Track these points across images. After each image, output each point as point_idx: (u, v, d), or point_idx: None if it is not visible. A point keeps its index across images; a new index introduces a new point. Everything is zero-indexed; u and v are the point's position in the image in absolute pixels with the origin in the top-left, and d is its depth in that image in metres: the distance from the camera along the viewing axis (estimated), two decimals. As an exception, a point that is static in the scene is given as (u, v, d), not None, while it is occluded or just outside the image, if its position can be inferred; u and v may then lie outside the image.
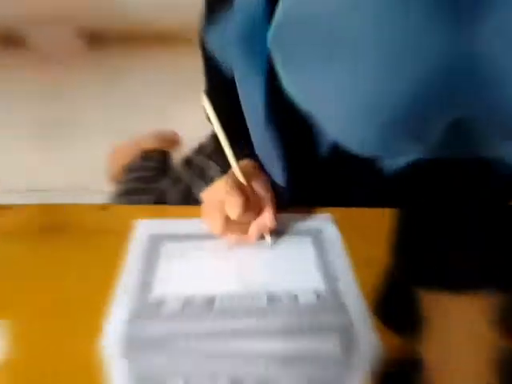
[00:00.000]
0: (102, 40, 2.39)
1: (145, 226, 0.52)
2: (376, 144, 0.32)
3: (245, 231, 0.49)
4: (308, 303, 0.43)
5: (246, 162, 0.53)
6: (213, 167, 0.80)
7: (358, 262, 0.48)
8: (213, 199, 0.46)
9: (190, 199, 0.77)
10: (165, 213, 0.56)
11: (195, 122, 1.15)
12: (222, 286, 0.45)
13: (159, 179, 0.87)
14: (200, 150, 0.85)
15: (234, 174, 0.47)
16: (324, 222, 0.54)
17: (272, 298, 0.43)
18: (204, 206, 0.48)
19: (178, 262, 0.48)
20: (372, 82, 0.29)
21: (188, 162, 0.84)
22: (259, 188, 0.48)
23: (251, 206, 0.46)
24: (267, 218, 0.47)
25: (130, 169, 0.94)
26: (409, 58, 0.27)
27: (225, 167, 0.52)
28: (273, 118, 0.48)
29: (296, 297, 0.43)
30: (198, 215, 0.51)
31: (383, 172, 0.53)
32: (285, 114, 0.49)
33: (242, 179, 0.47)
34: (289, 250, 0.50)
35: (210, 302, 0.43)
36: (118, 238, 0.51)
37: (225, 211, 0.45)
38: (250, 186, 0.47)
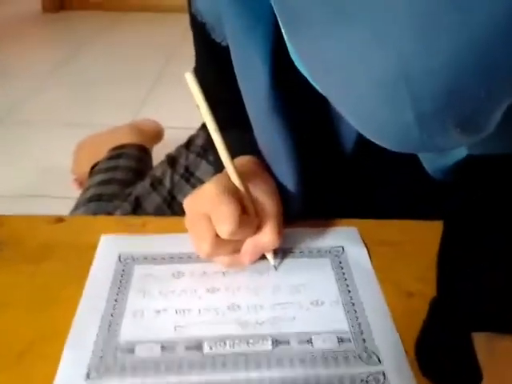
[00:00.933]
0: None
1: (112, 243, 0.48)
2: (408, 132, 0.28)
3: (239, 250, 0.44)
4: (326, 349, 0.38)
5: (245, 158, 0.48)
6: (203, 167, 0.76)
7: (393, 292, 0.44)
8: (198, 210, 0.41)
9: (173, 208, 0.73)
10: (139, 226, 0.51)
11: (183, 110, 1.11)
12: (211, 325, 0.40)
13: (135, 182, 0.83)
14: (188, 145, 0.81)
15: (226, 175, 0.43)
16: (347, 237, 0.49)
17: (278, 342, 0.39)
18: (187, 219, 0.43)
19: (154, 293, 0.43)
20: (401, 48, 0.24)
21: (172, 160, 0.79)
22: (260, 193, 0.43)
23: (249, 219, 0.42)
24: (268, 233, 0.42)
25: (98, 169, 0.90)
26: (454, 17, 0.23)
27: (218, 167, 0.47)
28: (280, 102, 0.44)
29: (310, 340, 0.39)
30: (182, 229, 0.46)
31: (424, 175, 0.49)
32: (295, 96, 0.44)
33: (236, 181, 0.43)
34: (300, 276, 0.45)
35: (196, 347, 0.38)
36: (77, 259, 0.47)
37: (212, 227, 0.40)
38: (247, 190, 0.43)
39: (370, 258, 0.47)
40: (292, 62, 0.38)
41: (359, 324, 0.40)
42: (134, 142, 1.00)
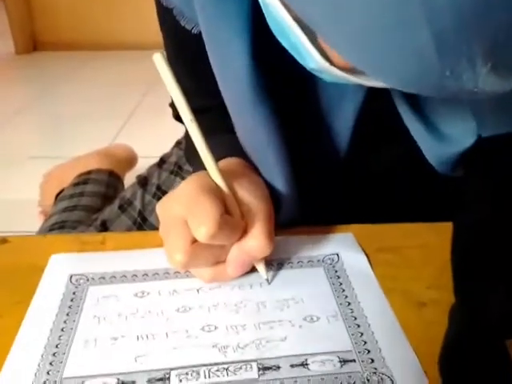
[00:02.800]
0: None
1: (62, 263, 0.41)
2: (425, 60, 0.21)
3: (223, 260, 0.37)
4: (326, 372, 0.31)
5: (230, 160, 0.42)
6: (177, 185, 0.69)
7: (401, 303, 0.37)
8: (172, 214, 0.35)
9: (144, 230, 0.66)
10: (98, 243, 0.44)
11: (157, 141, 1.06)
12: (181, 352, 0.33)
13: (103, 207, 0.76)
14: (160, 163, 0.75)
15: (205, 173, 0.36)
16: (342, 244, 0.43)
17: (266, 368, 0.31)
18: (161, 227, 0.36)
19: (111, 317, 0.36)
20: None
21: (143, 180, 0.73)
22: (247, 193, 0.36)
23: (233, 221, 0.35)
24: (257, 237, 0.35)
25: (62, 196, 0.83)
26: None
27: (197, 168, 0.41)
28: (263, 91, 0.38)
29: (305, 363, 0.31)
30: (150, 245, 0.39)
31: (428, 172, 0.43)
32: (279, 82, 0.38)
33: (217, 179, 0.36)
34: (289, 289, 0.38)
35: (161, 380, 0.31)
36: (22, 283, 0.39)
37: (189, 231, 0.33)
38: (231, 189, 0.36)
39: (371, 265, 0.40)
40: (272, 38, 0.32)
41: (364, 341, 0.33)
42: (104, 168, 0.93)
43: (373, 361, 0.32)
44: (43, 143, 1.73)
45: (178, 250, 0.33)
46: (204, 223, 0.32)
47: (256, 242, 0.35)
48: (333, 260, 0.41)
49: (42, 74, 2.54)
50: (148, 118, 1.86)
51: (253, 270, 0.38)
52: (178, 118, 0.62)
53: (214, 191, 0.34)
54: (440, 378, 0.29)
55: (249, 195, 0.36)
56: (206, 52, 0.39)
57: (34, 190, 1.10)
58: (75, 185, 0.84)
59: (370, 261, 0.41)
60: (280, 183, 0.41)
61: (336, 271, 0.40)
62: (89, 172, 0.88)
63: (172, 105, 0.63)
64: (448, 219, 0.44)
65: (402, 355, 0.32)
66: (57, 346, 0.33)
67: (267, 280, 0.38)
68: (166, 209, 0.36)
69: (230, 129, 0.44)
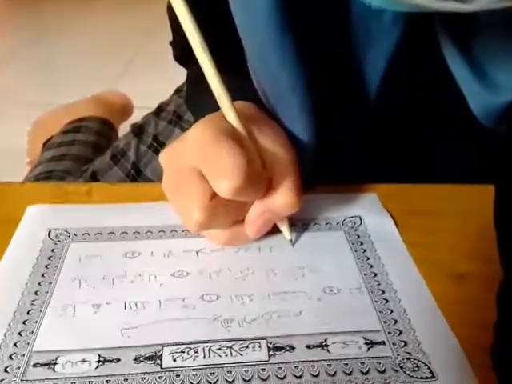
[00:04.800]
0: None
1: (40, 216, 0.35)
2: None
3: (241, 220, 0.32)
4: (349, 356, 0.26)
5: (245, 104, 0.36)
6: (175, 136, 0.63)
7: (436, 275, 0.32)
8: (181, 164, 0.29)
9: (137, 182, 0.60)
10: (82, 194, 0.39)
11: (157, 92, 0.99)
12: (176, 325, 0.28)
13: (94, 158, 0.70)
14: (158, 111, 0.68)
15: (219, 115, 0.30)
16: (365, 205, 0.37)
17: (277, 348, 0.26)
18: (166, 180, 0.31)
19: (94, 280, 0.31)
20: None
21: (138, 129, 0.67)
22: (269, 141, 0.31)
23: (257, 174, 0.29)
24: (285, 192, 0.30)
25: (50, 144, 0.77)
26: None
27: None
28: (290, 30, 0.32)
29: (324, 343, 0.26)
30: (143, 198, 0.34)
31: (469, 125, 0.37)
32: (309, 20, 0.32)
33: (235, 121, 0.29)
34: (304, 255, 0.33)
35: (152, 358, 0.26)
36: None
37: (207, 185, 0.28)
38: (251, 136, 0.30)
39: (399, 230, 0.35)
40: None
41: (395, 320, 0.28)
42: (98, 116, 0.87)
43: (406, 344, 0.27)
44: (34, 90, 1.66)
45: (195, 207, 0.28)
46: (228, 175, 0.26)
47: (284, 197, 0.30)
48: (354, 223, 0.36)
49: (36, 18, 2.44)
50: (145, 67, 1.78)
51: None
52: (179, 58, 0.56)
53: (234, 136, 0.28)
54: (495, 371, 0.24)
55: (272, 143, 0.31)
56: None
57: (22, 139, 1.04)
58: (65, 132, 0.78)
59: (397, 225, 0.36)
60: (303, 134, 0.35)
61: (358, 236, 0.35)
62: (81, 119, 0.82)
63: (173, 43, 0.56)
64: (487, 181, 0.38)
65: (440, 338, 0.27)
66: (28, 313, 0.28)
67: (291, 241, 0.33)
68: (174, 158, 0.30)
69: (240, 75, 0.37)
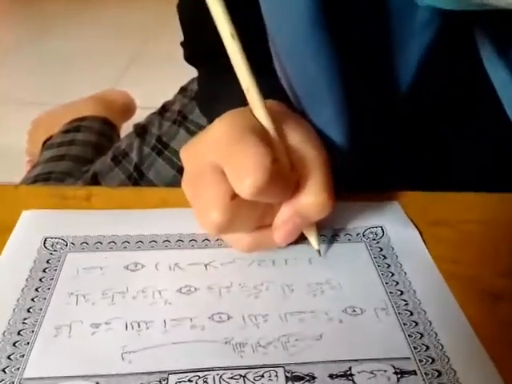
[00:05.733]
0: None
1: (35, 223, 0.33)
2: None
3: (268, 224, 0.29)
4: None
5: (273, 102, 0.33)
6: (180, 137, 0.61)
7: (468, 294, 0.29)
8: (203, 160, 0.27)
9: (139, 186, 0.58)
10: (81, 199, 0.36)
11: (159, 91, 0.97)
12: (183, 349, 0.25)
13: (95, 158, 0.67)
14: (162, 111, 0.66)
15: (246, 110, 0.27)
16: (387, 215, 0.35)
17: (296, 378, 0.23)
18: (186, 178, 0.28)
19: (93, 296, 0.28)
20: None
21: (141, 129, 0.64)
22: (299, 140, 0.28)
23: (284, 174, 0.27)
24: (315, 194, 0.27)
25: (50, 144, 0.74)
26: None
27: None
28: (327, 30, 0.29)
29: (348, 372, 0.24)
30: (147, 204, 0.31)
31: (502, 126, 0.35)
32: (342, 12, 0.30)
33: (264, 119, 0.27)
34: (323, 270, 0.30)
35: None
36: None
37: (228, 184, 0.25)
38: (280, 134, 0.28)
39: (425, 243, 0.32)
40: None
41: (426, 346, 0.25)
42: (99, 115, 0.84)
43: (440, 374, 0.24)
44: (34, 88, 1.63)
45: (213, 207, 0.25)
46: (250, 172, 0.24)
47: (315, 199, 0.27)
48: (376, 234, 0.33)
49: (37, 13, 2.41)
50: (149, 66, 1.75)
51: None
52: (190, 59, 0.53)
53: (260, 133, 0.26)
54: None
55: (302, 142, 0.28)
56: None
57: (21, 138, 1.02)
58: (65, 132, 0.76)
59: (422, 237, 0.33)
60: (338, 137, 0.32)
61: (381, 249, 0.32)
62: (82, 118, 0.80)
63: (184, 44, 0.54)
64: (504, 186, 0.36)
65: (476, 367, 0.24)
66: (19, 333, 0.25)
67: (318, 252, 0.30)
68: (195, 155, 0.28)
69: (268, 72, 0.35)
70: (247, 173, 0.24)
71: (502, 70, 0.32)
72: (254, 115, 0.27)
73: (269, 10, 0.29)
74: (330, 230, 0.33)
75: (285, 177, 0.26)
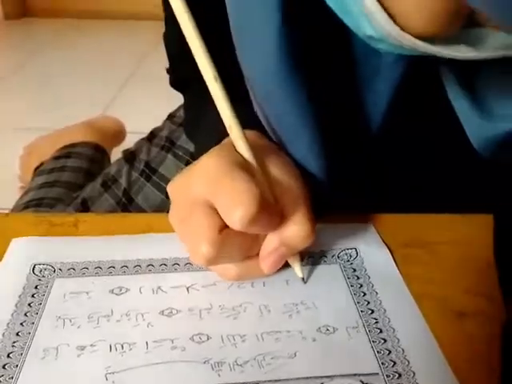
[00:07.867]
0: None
1: (25, 249, 0.34)
2: None
3: (254, 254, 0.31)
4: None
5: (250, 132, 0.35)
6: (168, 163, 0.62)
7: (435, 312, 0.31)
8: (192, 195, 0.28)
9: (129, 212, 0.59)
10: (69, 225, 0.37)
11: (149, 116, 0.99)
12: (165, 369, 0.26)
13: (86, 184, 0.69)
14: (150, 137, 0.67)
15: (229, 146, 0.29)
16: (361, 236, 0.36)
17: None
18: (174, 211, 0.30)
19: (79, 320, 0.29)
20: None
21: (130, 155, 0.66)
22: (279, 172, 0.30)
23: (272, 205, 0.28)
24: (299, 223, 0.29)
25: (41, 170, 0.76)
26: None
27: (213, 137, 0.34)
28: (293, 58, 0.31)
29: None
30: (132, 230, 0.33)
31: (469, 156, 0.37)
32: (312, 47, 0.32)
33: (246, 152, 0.29)
34: (298, 291, 0.32)
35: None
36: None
37: (217, 218, 0.27)
38: (262, 167, 0.29)
39: (396, 263, 0.34)
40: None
41: (393, 362, 0.27)
42: (90, 141, 0.86)
43: (405, 388, 0.25)
44: (28, 113, 1.65)
45: (203, 240, 0.27)
46: (240, 204, 0.25)
47: (300, 229, 0.29)
48: (350, 256, 0.35)
49: (29, 41, 2.45)
50: (139, 91, 1.78)
51: None
52: (175, 84, 0.55)
53: (246, 168, 0.28)
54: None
55: (283, 175, 0.30)
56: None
57: (14, 163, 1.03)
58: (56, 158, 0.77)
59: (394, 257, 0.35)
60: (314, 166, 0.34)
61: (354, 270, 0.34)
62: (73, 145, 0.81)
63: (169, 70, 0.56)
64: (487, 211, 0.37)
65: (439, 381, 0.26)
66: (9, 356, 0.26)
67: (303, 279, 0.32)
68: (184, 189, 0.29)
69: (241, 99, 0.36)
70: (238, 204, 0.25)
71: (464, 99, 0.34)
72: (237, 151, 0.29)
73: (241, 49, 0.31)
74: (305, 252, 0.34)
75: (271, 208, 0.28)
